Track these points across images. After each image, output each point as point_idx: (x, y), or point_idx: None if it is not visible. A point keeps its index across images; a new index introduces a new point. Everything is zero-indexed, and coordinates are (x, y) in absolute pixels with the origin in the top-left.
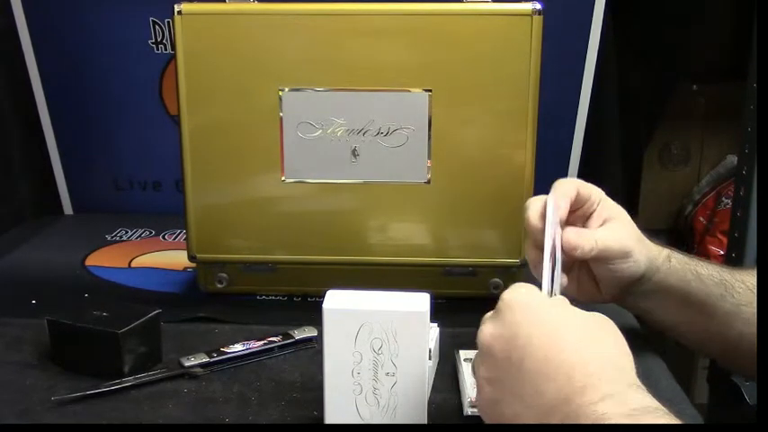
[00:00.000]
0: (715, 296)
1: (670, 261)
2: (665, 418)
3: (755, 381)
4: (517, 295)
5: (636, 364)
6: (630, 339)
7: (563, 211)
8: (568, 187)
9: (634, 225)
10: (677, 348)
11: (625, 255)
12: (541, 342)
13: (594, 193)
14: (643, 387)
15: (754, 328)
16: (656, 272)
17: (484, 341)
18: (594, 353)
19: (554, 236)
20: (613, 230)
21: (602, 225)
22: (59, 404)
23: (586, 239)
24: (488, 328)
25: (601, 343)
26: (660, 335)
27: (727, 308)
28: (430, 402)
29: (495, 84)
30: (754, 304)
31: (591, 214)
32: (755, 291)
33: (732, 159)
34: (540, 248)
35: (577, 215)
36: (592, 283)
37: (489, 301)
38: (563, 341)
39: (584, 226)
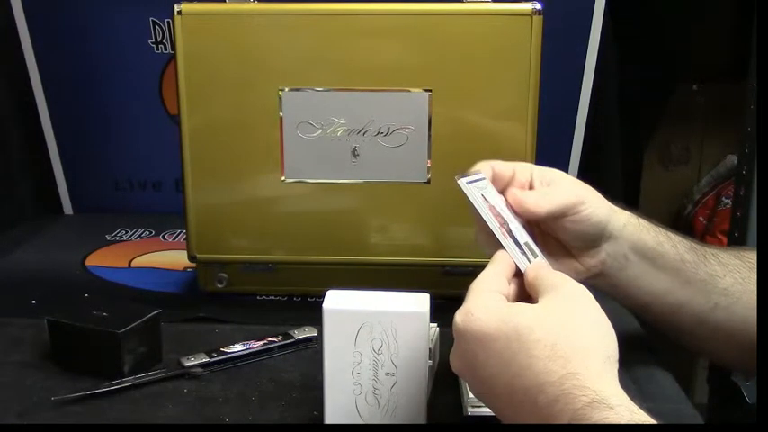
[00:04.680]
0: (689, 262)
1: (638, 220)
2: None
3: (719, 363)
4: (468, 322)
5: (636, 363)
6: (631, 340)
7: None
8: (483, 165)
9: (581, 182)
10: (677, 348)
11: (579, 202)
12: (501, 375)
13: (520, 166)
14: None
15: (731, 300)
16: (624, 226)
17: (454, 368)
18: (557, 366)
19: (496, 207)
20: (559, 186)
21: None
22: (59, 404)
23: (535, 195)
24: (452, 358)
25: (566, 348)
26: (661, 336)
27: (701, 276)
28: (430, 402)
29: (495, 84)
30: (729, 278)
31: (530, 185)
32: (728, 267)
33: (732, 159)
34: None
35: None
36: (559, 247)
37: None
38: (520, 376)
39: None
